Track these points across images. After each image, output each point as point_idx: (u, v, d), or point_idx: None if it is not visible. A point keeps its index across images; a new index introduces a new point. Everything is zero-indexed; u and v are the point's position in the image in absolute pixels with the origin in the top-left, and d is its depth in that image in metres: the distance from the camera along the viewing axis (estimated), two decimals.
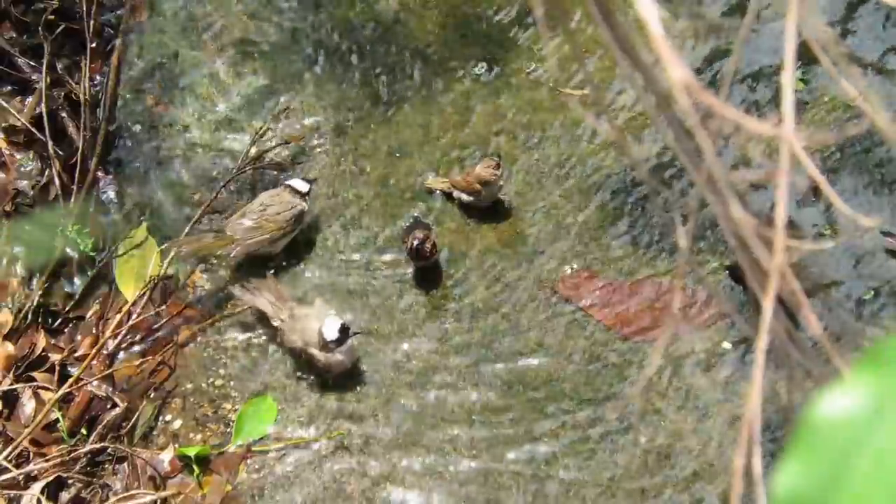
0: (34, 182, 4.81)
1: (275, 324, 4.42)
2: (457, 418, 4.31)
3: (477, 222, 4.71)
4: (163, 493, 4.23)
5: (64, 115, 4.97)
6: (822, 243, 1.37)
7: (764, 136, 1.24)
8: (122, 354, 4.56)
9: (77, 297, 4.66)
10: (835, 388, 1.01)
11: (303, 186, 4.68)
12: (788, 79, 1.31)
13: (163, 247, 4.67)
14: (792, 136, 1.22)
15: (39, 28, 5.05)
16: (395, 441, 4.29)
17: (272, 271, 4.66)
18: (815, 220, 4.46)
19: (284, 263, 4.69)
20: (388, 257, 4.66)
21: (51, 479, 4.19)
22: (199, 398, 4.45)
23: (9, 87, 5.07)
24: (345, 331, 4.25)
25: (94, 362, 4.47)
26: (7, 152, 4.89)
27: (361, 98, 5.02)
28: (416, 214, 4.70)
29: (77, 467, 4.26)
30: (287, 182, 4.70)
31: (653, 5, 1.32)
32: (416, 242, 4.44)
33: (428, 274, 4.59)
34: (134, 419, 4.37)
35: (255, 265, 4.68)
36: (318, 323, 4.28)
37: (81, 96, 4.98)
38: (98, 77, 5.11)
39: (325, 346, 4.26)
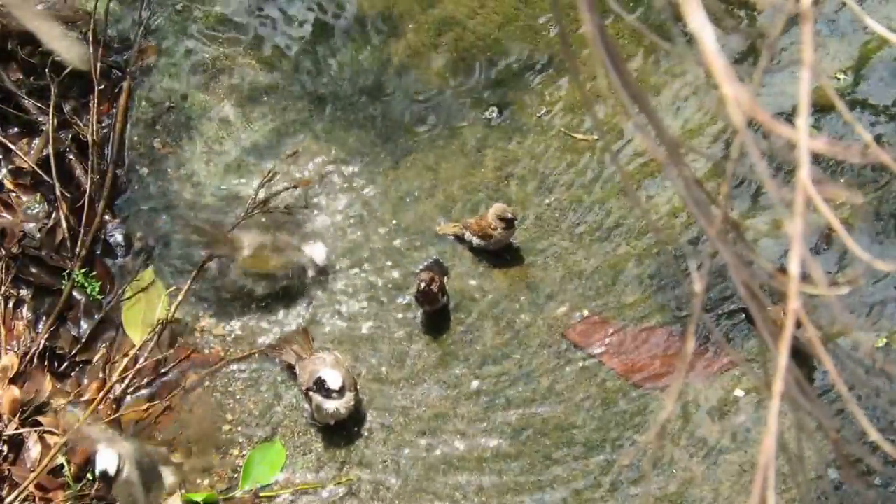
0: (41, 224, 4.79)
1: (297, 372, 4.40)
2: (467, 465, 4.28)
3: (487, 267, 4.68)
4: None
5: (71, 157, 4.96)
6: (835, 289, 1.34)
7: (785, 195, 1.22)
8: (128, 398, 4.54)
9: (84, 340, 4.64)
10: None
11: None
12: (803, 124, 1.29)
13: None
14: (808, 181, 1.19)
15: (46, 69, 5.05)
16: (404, 488, 4.26)
17: (300, 321, 4.65)
18: (828, 269, 4.42)
19: (295, 309, 4.67)
20: (398, 302, 4.64)
21: None
22: (206, 443, 4.42)
23: (16, 129, 5.07)
24: (330, 386, 4.25)
25: (101, 406, 4.45)
26: (14, 194, 4.88)
27: (371, 142, 5.01)
28: (435, 257, 4.66)
29: None
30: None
31: (707, 22, 1.30)
32: (423, 285, 4.42)
33: (436, 319, 4.56)
34: None
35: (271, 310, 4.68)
36: (324, 368, 4.28)
37: (89, 138, 4.96)
38: (106, 119, 5.10)
39: (320, 391, 4.25)
